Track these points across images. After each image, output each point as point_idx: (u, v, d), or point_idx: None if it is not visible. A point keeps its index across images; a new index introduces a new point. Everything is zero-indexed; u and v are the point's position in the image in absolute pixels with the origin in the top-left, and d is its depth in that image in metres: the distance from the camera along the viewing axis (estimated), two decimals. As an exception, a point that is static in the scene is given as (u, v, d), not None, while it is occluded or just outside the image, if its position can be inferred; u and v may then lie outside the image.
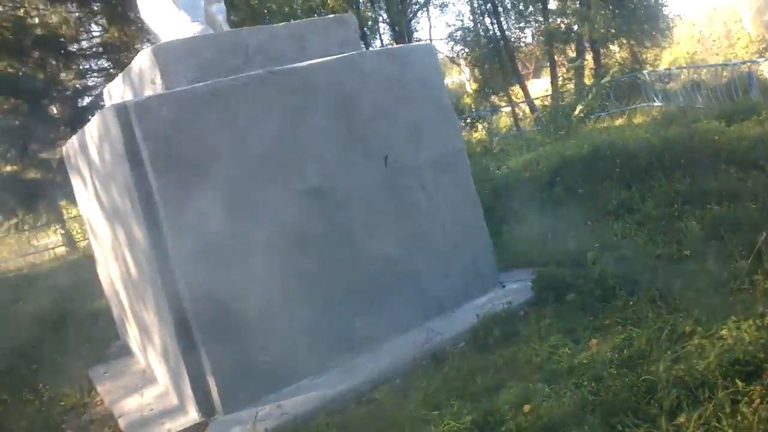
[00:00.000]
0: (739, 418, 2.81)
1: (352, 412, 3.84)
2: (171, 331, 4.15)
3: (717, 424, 2.81)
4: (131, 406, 4.70)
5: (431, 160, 4.99)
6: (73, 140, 5.39)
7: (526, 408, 3.31)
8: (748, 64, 14.72)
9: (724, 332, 3.50)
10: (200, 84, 4.25)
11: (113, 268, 5.30)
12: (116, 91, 5.34)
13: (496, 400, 3.47)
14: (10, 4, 16.38)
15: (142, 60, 4.54)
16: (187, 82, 4.32)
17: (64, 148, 6.03)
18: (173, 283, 4.06)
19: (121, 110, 4.03)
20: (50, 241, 22.45)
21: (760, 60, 16.01)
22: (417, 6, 27.79)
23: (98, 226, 5.38)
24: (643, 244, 5.16)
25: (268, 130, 4.33)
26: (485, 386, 3.67)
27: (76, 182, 5.89)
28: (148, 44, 17.88)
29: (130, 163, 4.01)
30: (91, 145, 4.71)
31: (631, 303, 4.27)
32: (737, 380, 3.02)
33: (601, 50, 24.88)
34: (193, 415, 4.20)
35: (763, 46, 23.58)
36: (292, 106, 4.43)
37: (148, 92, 4.44)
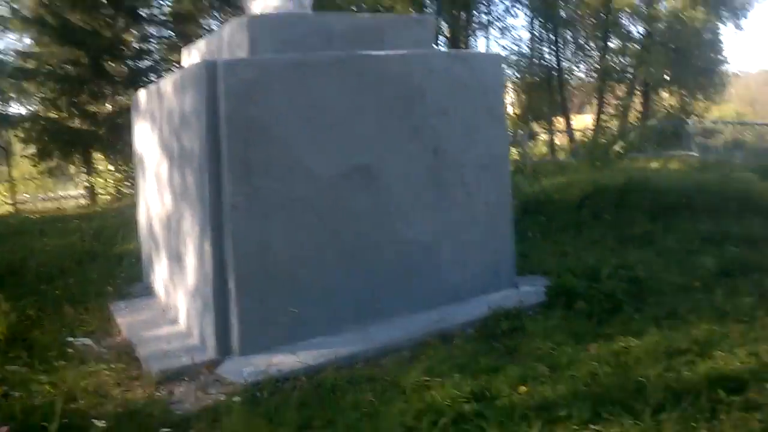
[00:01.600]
0: (715, 422, 3.04)
1: (359, 370, 4.11)
2: (208, 273, 4.47)
3: (694, 425, 3.04)
4: (150, 339, 4.96)
5: (477, 160, 5.27)
6: (151, 87, 5.85)
7: (523, 389, 3.55)
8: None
9: (717, 353, 3.73)
10: (284, 55, 4.61)
11: (157, 209, 5.65)
12: (196, 53, 5.75)
13: (495, 378, 3.72)
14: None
15: (233, 27, 4.91)
16: (271, 53, 4.67)
17: (136, 94, 6.45)
18: (220, 228, 4.40)
19: (210, 66, 4.40)
20: (71, 193, 23.00)
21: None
22: (478, 25, 28.11)
23: (153, 168, 5.74)
24: (657, 271, 5.36)
25: (335, 106, 4.66)
26: (487, 366, 3.91)
27: (141, 125, 6.28)
28: (212, 19, 18.46)
29: (206, 115, 4.36)
30: (171, 93, 5.08)
31: (635, 318, 4.50)
32: (720, 391, 3.24)
33: (651, 95, 24.97)
34: (210, 354, 4.48)
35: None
36: (362, 88, 4.77)
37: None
